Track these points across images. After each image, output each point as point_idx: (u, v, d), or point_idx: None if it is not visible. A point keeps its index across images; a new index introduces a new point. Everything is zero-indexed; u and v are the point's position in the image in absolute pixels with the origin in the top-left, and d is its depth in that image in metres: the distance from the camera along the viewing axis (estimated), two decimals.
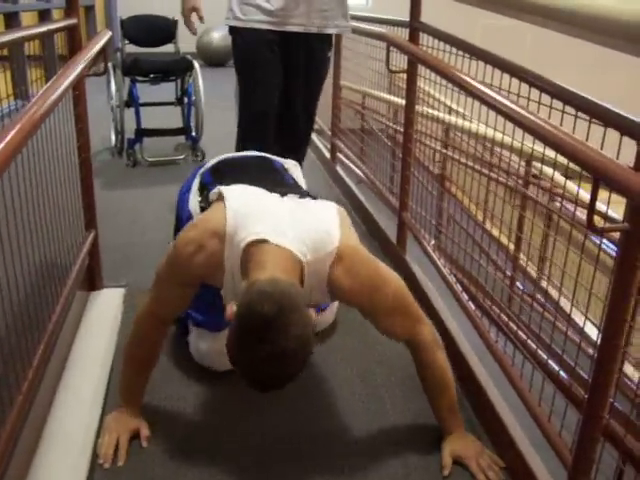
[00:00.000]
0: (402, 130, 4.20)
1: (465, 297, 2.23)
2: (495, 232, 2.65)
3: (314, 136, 4.50)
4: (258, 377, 1.47)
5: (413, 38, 2.59)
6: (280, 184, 2.00)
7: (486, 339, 2.02)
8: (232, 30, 2.82)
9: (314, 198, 1.94)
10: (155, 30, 4.79)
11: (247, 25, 2.73)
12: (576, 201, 1.64)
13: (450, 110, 3.69)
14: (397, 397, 2.08)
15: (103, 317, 2.47)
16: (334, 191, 4.05)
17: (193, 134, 4.56)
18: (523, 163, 3.33)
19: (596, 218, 1.30)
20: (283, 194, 1.85)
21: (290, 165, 2.29)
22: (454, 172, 3.05)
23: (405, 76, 2.81)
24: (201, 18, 2.95)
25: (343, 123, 4.54)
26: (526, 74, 1.77)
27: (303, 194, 1.94)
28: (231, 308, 1.49)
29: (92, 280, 2.59)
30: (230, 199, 1.74)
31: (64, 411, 1.95)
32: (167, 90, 4.74)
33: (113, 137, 4.59)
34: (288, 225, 1.68)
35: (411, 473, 1.79)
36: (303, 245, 1.64)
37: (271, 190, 1.85)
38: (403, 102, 4.69)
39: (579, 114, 1.46)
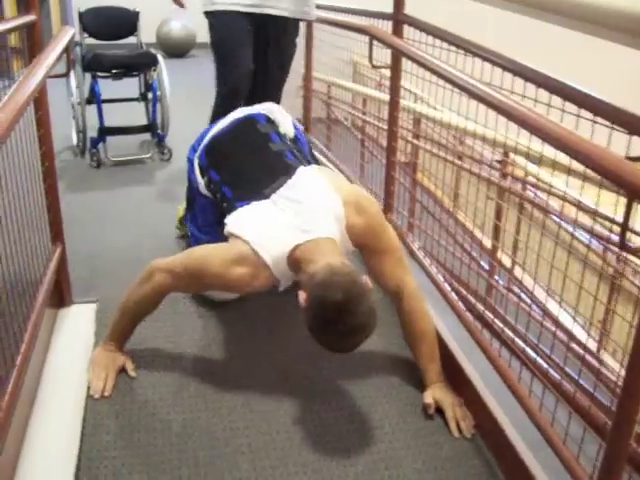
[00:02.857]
0: (370, 120, 4.11)
1: (462, 307, 2.12)
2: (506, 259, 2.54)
3: None
4: (339, 349, 1.76)
5: (397, 31, 2.45)
6: (269, 164, 2.10)
7: (490, 355, 1.91)
8: (207, 13, 2.99)
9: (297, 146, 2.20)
10: (116, 22, 4.55)
11: (223, 8, 2.91)
12: (608, 218, 1.53)
13: (423, 104, 3.58)
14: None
15: (74, 336, 2.30)
16: None
17: (159, 131, 4.36)
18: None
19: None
20: (274, 189, 1.97)
21: (275, 112, 2.34)
22: (440, 169, 2.93)
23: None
24: None
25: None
26: (519, 68, 1.67)
27: (291, 166, 2.05)
28: (302, 295, 1.70)
29: (61, 296, 2.41)
30: (242, 234, 1.89)
31: (39, 442, 1.80)
32: (130, 85, 4.52)
33: (74, 136, 4.35)
34: (301, 221, 1.87)
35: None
36: (324, 225, 1.85)
37: (264, 173, 2.03)
38: (370, 91, 4.60)
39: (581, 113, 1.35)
